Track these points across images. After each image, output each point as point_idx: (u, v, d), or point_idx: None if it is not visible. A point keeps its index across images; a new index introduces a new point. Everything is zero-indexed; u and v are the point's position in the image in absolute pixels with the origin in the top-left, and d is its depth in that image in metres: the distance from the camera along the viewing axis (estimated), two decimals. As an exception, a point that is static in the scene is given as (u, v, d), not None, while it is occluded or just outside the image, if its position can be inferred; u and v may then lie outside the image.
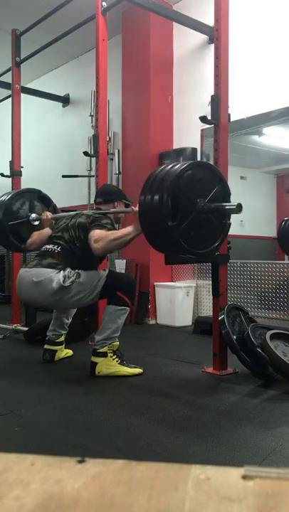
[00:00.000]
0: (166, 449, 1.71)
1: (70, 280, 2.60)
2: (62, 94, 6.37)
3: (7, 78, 4.96)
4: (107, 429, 1.89)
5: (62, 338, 3.09)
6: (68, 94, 6.37)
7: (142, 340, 3.98)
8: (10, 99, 4.69)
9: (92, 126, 5.53)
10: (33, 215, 3.43)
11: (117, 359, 2.71)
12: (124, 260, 4.90)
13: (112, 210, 2.91)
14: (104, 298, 2.81)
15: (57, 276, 2.60)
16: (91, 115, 5.70)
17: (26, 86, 5.92)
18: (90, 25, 3.95)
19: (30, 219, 3.43)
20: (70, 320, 3.13)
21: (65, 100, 6.38)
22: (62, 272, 2.62)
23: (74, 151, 5.98)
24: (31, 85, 6.45)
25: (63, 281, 2.58)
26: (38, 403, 2.23)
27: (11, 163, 4.56)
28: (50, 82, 6.64)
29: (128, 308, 2.75)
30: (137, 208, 2.48)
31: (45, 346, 3.07)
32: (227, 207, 2.37)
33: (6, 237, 3.39)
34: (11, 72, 4.63)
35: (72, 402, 2.25)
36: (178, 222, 2.18)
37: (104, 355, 2.67)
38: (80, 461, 0.41)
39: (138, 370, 2.73)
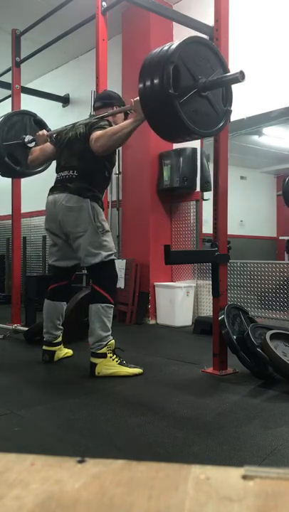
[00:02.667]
0: (166, 449, 1.71)
1: (98, 224, 2.68)
2: (62, 94, 6.37)
3: (7, 78, 4.96)
4: (107, 429, 1.89)
5: (59, 339, 3.07)
6: (68, 94, 6.37)
7: (142, 340, 3.98)
8: (10, 99, 4.69)
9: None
10: (28, 136, 3.36)
11: (116, 359, 2.70)
12: (124, 260, 4.90)
13: (110, 111, 2.83)
14: (88, 271, 2.87)
15: (87, 206, 2.67)
16: (91, 115, 5.69)
17: (26, 86, 5.91)
18: (90, 25, 3.95)
19: (26, 140, 3.35)
20: (63, 320, 3.08)
21: (65, 100, 6.38)
22: (88, 200, 2.67)
23: (74, 151, 5.97)
24: (31, 85, 6.45)
25: (93, 218, 2.66)
26: (38, 403, 2.23)
27: (11, 163, 4.55)
28: (50, 82, 6.63)
29: (111, 304, 2.73)
30: (135, 99, 2.43)
31: (44, 347, 3.06)
32: (229, 77, 2.27)
33: (1, 158, 3.28)
34: (11, 72, 4.63)
35: (72, 402, 2.25)
36: (179, 93, 2.10)
37: (103, 355, 2.67)
38: (80, 461, 0.41)
39: (138, 370, 2.73)
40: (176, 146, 4.95)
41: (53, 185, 2.89)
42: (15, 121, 3.40)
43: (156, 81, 2.11)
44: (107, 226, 2.80)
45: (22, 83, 4.73)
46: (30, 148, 3.28)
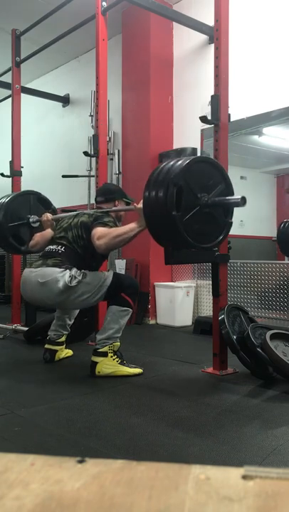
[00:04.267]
0: (166, 449, 1.71)
1: (77, 280, 2.60)
2: (62, 94, 6.37)
3: (7, 78, 4.97)
4: (107, 429, 1.89)
5: (63, 339, 3.09)
6: (68, 94, 6.37)
7: (142, 340, 3.98)
8: (10, 99, 4.69)
9: (92, 126, 5.53)
10: (33, 217, 3.44)
11: (117, 359, 2.71)
12: (124, 260, 4.90)
13: (114, 208, 2.91)
14: (108, 299, 2.80)
15: (63, 277, 2.59)
16: (91, 115, 5.70)
17: (26, 86, 5.92)
18: (90, 25, 3.96)
19: (31, 221, 3.43)
20: (73, 321, 3.13)
21: (65, 100, 6.38)
22: (68, 271, 2.62)
23: (74, 151, 5.98)
24: (31, 85, 6.45)
25: (70, 282, 2.58)
26: (38, 403, 2.23)
27: (11, 163, 4.56)
28: (50, 82, 6.64)
29: (131, 309, 2.75)
30: (139, 205, 2.47)
31: (46, 346, 3.07)
32: (231, 200, 2.36)
33: (5, 239, 3.39)
34: (11, 72, 4.64)
35: (72, 402, 2.25)
36: (182, 213, 2.18)
37: (104, 354, 2.67)
38: (80, 461, 0.41)
39: (138, 370, 2.73)
40: (176, 146, 4.95)
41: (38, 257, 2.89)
42: (20, 201, 3.48)
43: (160, 200, 2.20)
44: (85, 271, 2.69)
45: (22, 83, 4.73)
46: (34, 227, 3.36)
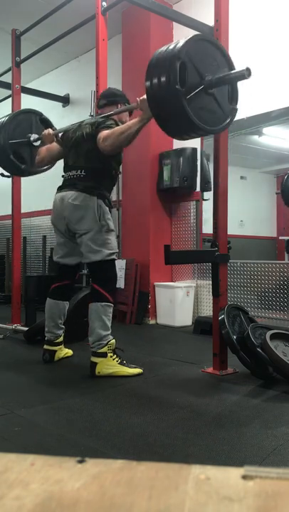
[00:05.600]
0: (166, 449, 1.71)
1: (102, 223, 2.70)
2: (62, 94, 6.37)
3: (7, 78, 4.96)
4: (107, 429, 1.89)
5: (61, 339, 3.08)
6: (68, 94, 6.37)
7: (142, 340, 3.98)
8: (10, 99, 4.69)
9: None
10: (34, 135, 3.35)
11: (117, 359, 2.70)
12: (124, 260, 4.90)
13: (115, 110, 2.84)
14: (89, 268, 2.90)
15: (94, 204, 2.69)
16: (91, 115, 5.69)
17: (26, 86, 5.91)
18: (90, 25, 3.95)
19: (32, 139, 3.34)
20: (64, 319, 3.08)
21: (65, 100, 6.38)
22: (96, 198, 2.69)
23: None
24: (31, 85, 6.45)
25: (98, 217, 2.68)
26: (38, 403, 2.23)
27: (11, 163, 4.55)
28: (50, 82, 6.64)
29: (110, 303, 2.74)
30: (142, 97, 2.43)
31: (45, 347, 3.07)
32: (236, 74, 2.28)
33: (6, 156, 3.28)
34: (11, 72, 4.63)
35: (72, 402, 2.25)
36: (185, 90, 2.11)
37: (103, 355, 2.67)
38: (80, 461, 0.41)
39: (138, 370, 2.73)
40: (176, 146, 4.95)
41: (61, 184, 2.92)
42: (21, 119, 3.40)
43: (163, 78, 2.12)
44: (112, 225, 2.81)
45: (22, 83, 4.73)
46: (36, 146, 3.27)
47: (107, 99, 2.95)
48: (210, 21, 2.94)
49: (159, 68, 2.15)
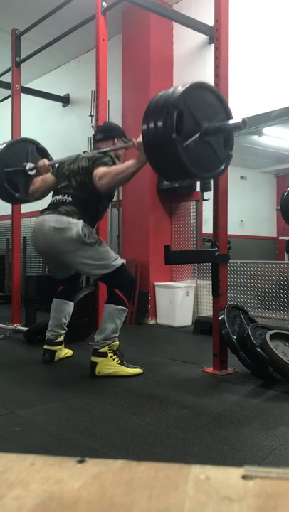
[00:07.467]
0: (166, 449, 1.71)
1: (90, 240, 2.63)
2: (62, 94, 6.37)
3: (7, 78, 4.96)
4: (107, 429, 1.89)
5: (61, 338, 3.09)
6: (68, 94, 6.37)
7: (142, 340, 3.98)
8: (10, 99, 4.69)
9: (92, 126, 5.53)
10: (30, 164, 3.36)
11: (117, 359, 2.71)
12: (124, 260, 4.90)
13: (112, 147, 2.85)
14: (102, 282, 2.84)
15: (76, 226, 2.61)
16: (91, 115, 5.69)
17: (26, 86, 5.91)
18: (90, 25, 3.96)
19: (27, 168, 3.35)
20: (69, 319, 3.12)
21: (65, 100, 6.38)
22: (80, 221, 2.63)
23: (74, 151, 5.95)
24: (31, 85, 6.45)
25: (84, 236, 2.60)
26: (38, 403, 2.23)
27: (11, 163, 4.55)
28: (50, 82, 6.63)
29: (126, 308, 2.75)
30: (138, 139, 2.43)
31: (45, 347, 3.07)
32: (232, 125, 2.29)
33: (1, 184, 3.28)
34: (11, 72, 4.63)
35: (72, 402, 2.25)
36: (182, 138, 2.12)
37: (104, 355, 2.67)
38: (80, 461, 0.41)
39: (138, 370, 2.73)
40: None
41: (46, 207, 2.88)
42: (17, 148, 3.41)
43: (159, 125, 2.14)
44: (101, 239, 2.77)
45: (22, 83, 4.73)
46: (31, 175, 3.29)
47: (103, 134, 2.96)
48: (210, 21, 2.94)
49: (157, 115, 2.16)
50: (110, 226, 5.21)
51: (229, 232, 2.89)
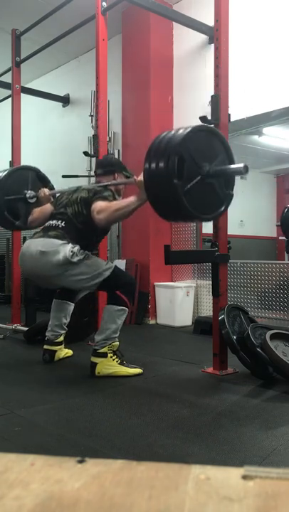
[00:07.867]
0: (166, 449, 1.71)
1: (78, 258, 2.60)
2: (62, 94, 6.37)
3: (7, 78, 4.96)
4: (107, 429, 1.89)
5: (61, 338, 3.09)
6: (68, 94, 6.37)
7: (142, 340, 3.98)
8: (10, 99, 4.69)
9: (92, 126, 5.53)
10: (30, 193, 3.38)
11: (117, 359, 2.71)
12: (124, 260, 4.90)
13: (113, 181, 2.87)
14: (102, 290, 2.82)
15: (64, 249, 2.58)
16: (91, 115, 5.70)
17: (26, 86, 5.92)
18: (90, 25, 3.95)
19: (27, 196, 3.37)
20: (69, 319, 3.13)
21: (65, 100, 6.38)
22: (69, 244, 2.61)
23: (74, 151, 5.98)
24: (31, 85, 6.45)
25: (71, 257, 2.57)
26: (38, 403, 2.23)
27: (11, 163, 4.56)
28: (50, 82, 6.64)
29: (127, 308, 2.75)
30: (140, 177, 2.43)
31: (45, 347, 3.07)
32: (233, 169, 2.31)
33: (0, 212, 3.32)
34: (11, 72, 4.63)
35: (72, 402, 2.25)
36: (183, 182, 2.14)
37: (104, 355, 2.67)
38: (80, 461, 0.41)
39: (138, 370, 2.73)
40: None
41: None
42: (18, 175, 3.43)
43: (161, 169, 2.15)
44: (89, 253, 2.72)
45: (22, 83, 4.73)
46: (31, 203, 3.31)
47: (104, 169, 2.96)
48: (210, 21, 2.94)
49: (158, 159, 2.17)
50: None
51: (229, 232, 2.89)
